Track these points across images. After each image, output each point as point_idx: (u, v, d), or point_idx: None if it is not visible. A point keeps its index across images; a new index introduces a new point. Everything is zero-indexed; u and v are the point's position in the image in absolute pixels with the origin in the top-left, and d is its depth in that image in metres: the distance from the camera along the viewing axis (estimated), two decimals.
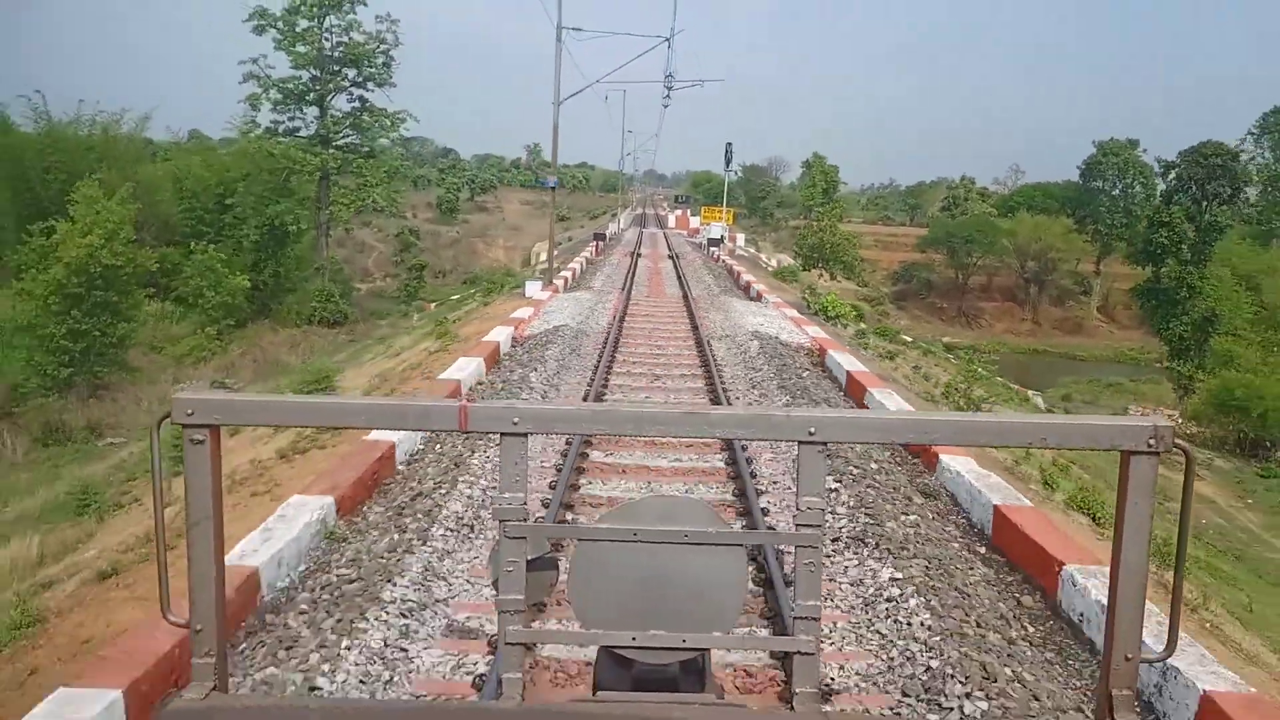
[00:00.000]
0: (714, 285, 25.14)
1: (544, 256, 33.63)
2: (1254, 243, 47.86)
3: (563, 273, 25.37)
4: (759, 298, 21.63)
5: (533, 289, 21.36)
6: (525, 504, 1.96)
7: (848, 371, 12.24)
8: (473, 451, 7.86)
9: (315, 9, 42.00)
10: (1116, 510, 1.86)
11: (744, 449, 8.14)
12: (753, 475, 7.72)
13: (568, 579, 2.02)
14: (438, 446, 8.09)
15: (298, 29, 42.50)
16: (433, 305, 42.89)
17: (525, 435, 1.93)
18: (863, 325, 21.45)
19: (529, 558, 1.98)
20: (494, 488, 6.53)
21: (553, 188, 26.76)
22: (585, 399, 10.64)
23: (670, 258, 34.19)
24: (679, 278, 25.99)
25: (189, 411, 1.84)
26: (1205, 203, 44.20)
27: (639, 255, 33.84)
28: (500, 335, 14.13)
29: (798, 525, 1.96)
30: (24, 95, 44.87)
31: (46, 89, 62.06)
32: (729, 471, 7.93)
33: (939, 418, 2.14)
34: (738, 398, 11.19)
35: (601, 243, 38.95)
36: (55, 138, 46.03)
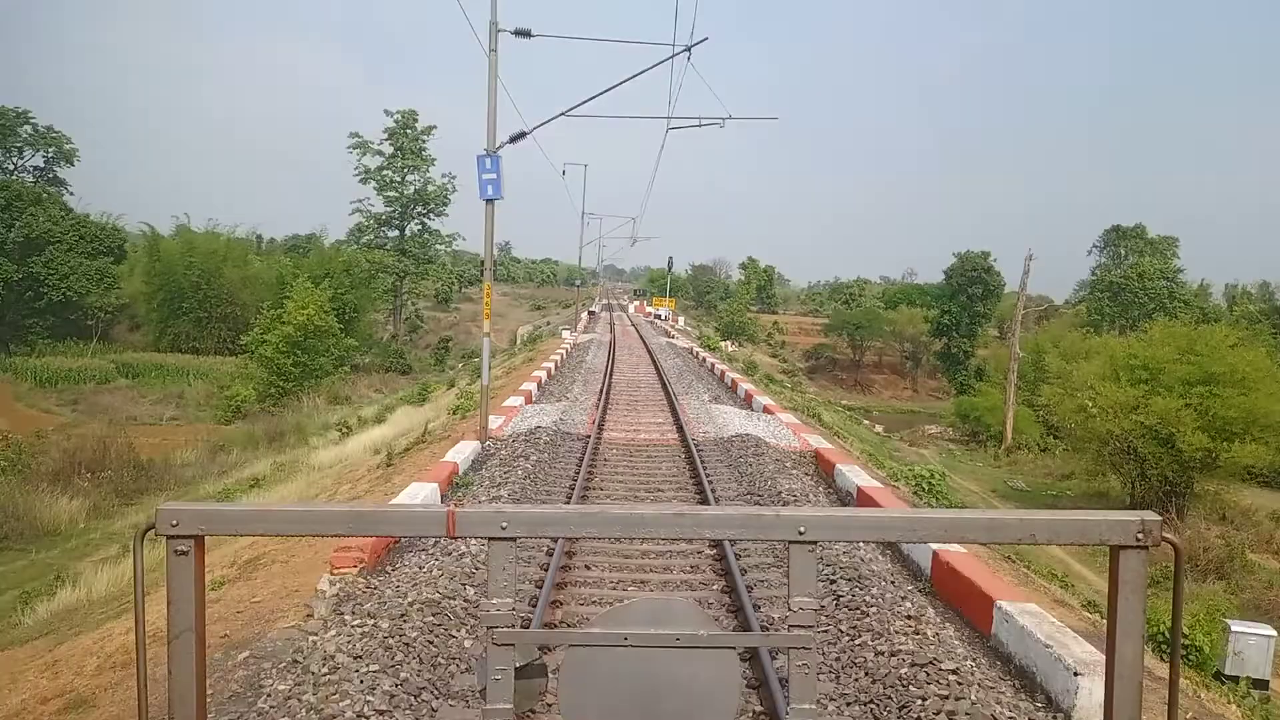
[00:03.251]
0: (653, 334, 49.85)
1: (526, 336, 57.44)
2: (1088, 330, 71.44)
3: (579, 327, 49.81)
4: (674, 338, 46.25)
5: (566, 334, 45.53)
6: (514, 610, 2.01)
7: (701, 355, 36.60)
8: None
9: (402, 170, 66.84)
10: (1109, 607, 1.88)
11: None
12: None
13: (558, 685, 2.06)
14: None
15: (389, 181, 67.07)
16: (460, 365, 66.31)
17: (514, 540, 1.99)
18: (724, 349, 46.13)
19: (517, 665, 2.00)
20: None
21: (578, 285, 51.62)
22: (608, 357, 34.35)
23: (633, 325, 58.90)
24: (638, 331, 50.58)
25: (173, 522, 1.89)
26: (971, 298, 70.35)
27: (614, 323, 58.47)
28: (567, 344, 38.20)
29: (790, 626, 1.99)
30: (175, 215, 69.58)
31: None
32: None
33: (930, 515, 2.15)
34: (656, 351, 35.40)
35: (590, 316, 63.49)
36: (191, 243, 69.90)
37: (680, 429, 15.77)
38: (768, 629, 6.60)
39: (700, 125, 18.67)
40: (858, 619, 7.02)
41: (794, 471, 12.65)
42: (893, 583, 7.90)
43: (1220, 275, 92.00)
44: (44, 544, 18.08)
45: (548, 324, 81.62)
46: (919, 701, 5.63)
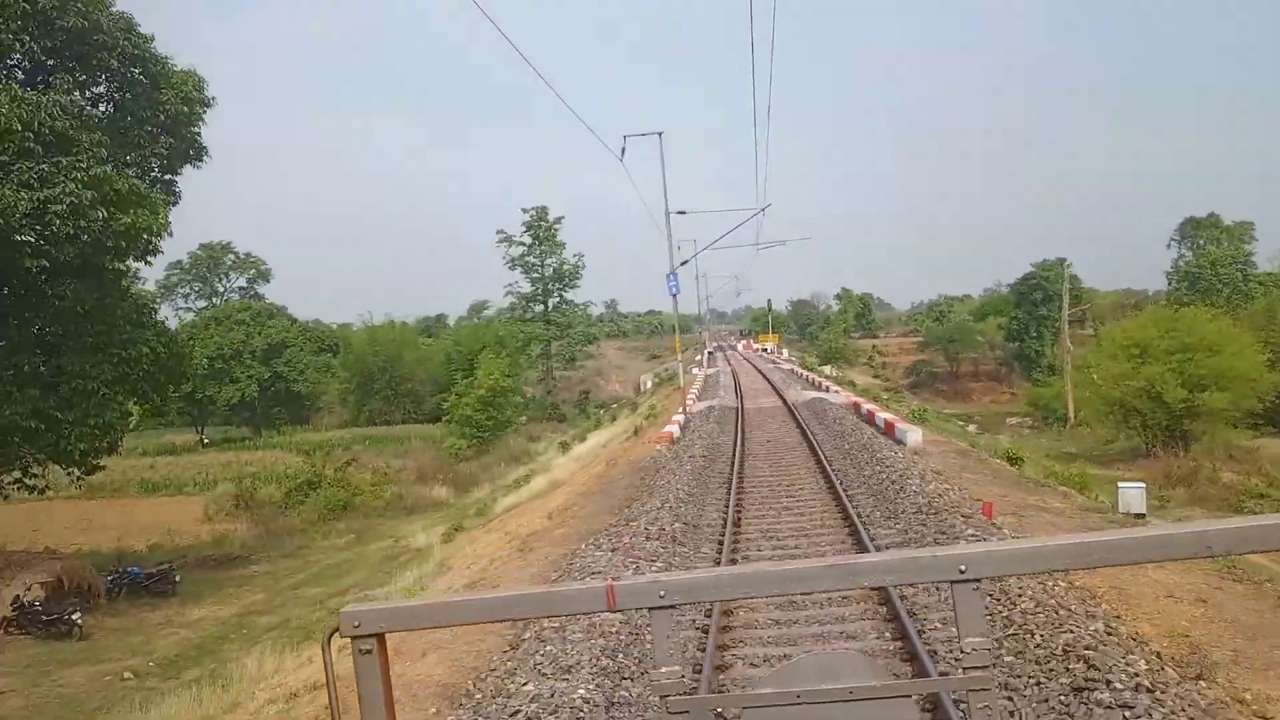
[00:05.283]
0: (762, 362, 64.14)
1: (649, 385, 71.84)
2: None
3: (704, 365, 64.52)
4: (779, 364, 60.33)
5: (696, 370, 59.99)
6: (683, 676, 2.05)
7: (801, 370, 50.54)
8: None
9: (543, 254, 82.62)
10: None
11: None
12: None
13: None
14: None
15: (532, 264, 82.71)
16: (602, 411, 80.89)
17: (673, 607, 2.03)
18: (821, 368, 60.01)
19: None
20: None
21: (698, 331, 66.14)
22: (733, 379, 48.41)
23: (745, 359, 73.19)
24: (750, 362, 64.80)
25: (356, 624, 1.99)
26: (1036, 304, 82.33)
27: (729, 359, 72.76)
28: (699, 376, 52.69)
29: (964, 668, 1.97)
30: (361, 314, 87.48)
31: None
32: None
33: (1095, 539, 2.02)
34: (766, 372, 49.39)
35: (708, 356, 78.06)
36: (374, 334, 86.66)
37: (784, 400, 30.11)
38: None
39: (771, 246, 32.88)
40: (844, 438, 21.25)
41: (840, 411, 26.62)
42: (858, 427, 22.06)
43: None
44: (435, 509, 33.30)
45: (666, 369, 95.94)
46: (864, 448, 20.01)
